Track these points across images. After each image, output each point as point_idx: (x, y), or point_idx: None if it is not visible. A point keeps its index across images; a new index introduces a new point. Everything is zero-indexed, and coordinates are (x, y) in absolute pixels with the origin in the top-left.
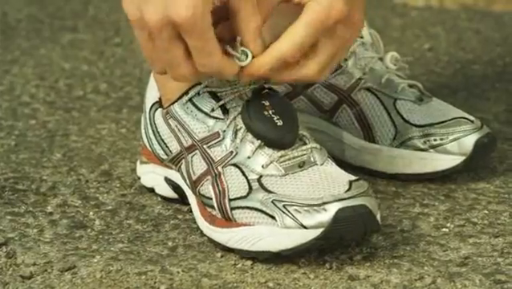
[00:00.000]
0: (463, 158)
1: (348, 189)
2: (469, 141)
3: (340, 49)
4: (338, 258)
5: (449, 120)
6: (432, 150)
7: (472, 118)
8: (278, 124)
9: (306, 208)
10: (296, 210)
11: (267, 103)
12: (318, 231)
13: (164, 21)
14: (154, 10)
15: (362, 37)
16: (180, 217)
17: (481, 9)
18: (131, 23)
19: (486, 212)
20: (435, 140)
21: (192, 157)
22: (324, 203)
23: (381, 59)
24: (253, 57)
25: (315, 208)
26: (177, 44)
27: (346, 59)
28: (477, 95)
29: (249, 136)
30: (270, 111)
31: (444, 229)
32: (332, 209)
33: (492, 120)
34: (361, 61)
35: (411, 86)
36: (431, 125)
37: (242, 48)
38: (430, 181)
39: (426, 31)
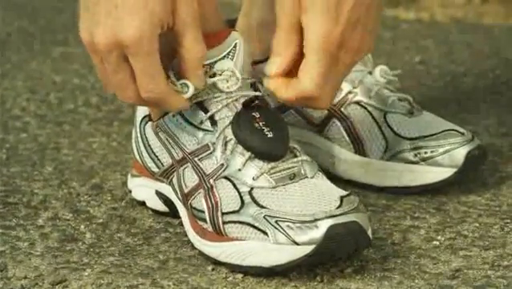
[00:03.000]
0: (454, 170)
1: (339, 206)
2: (460, 154)
3: (342, 75)
4: (329, 271)
5: (440, 132)
6: (422, 163)
7: (462, 130)
8: (269, 135)
9: (298, 224)
10: (288, 226)
11: (257, 115)
12: (310, 248)
13: (112, 42)
14: (103, 33)
15: None
16: (171, 230)
17: (472, 22)
18: (86, 47)
19: (477, 225)
20: (426, 152)
21: (183, 170)
22: (316, 220)
23: (371, 73)
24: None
25: (307, 224)
26: (124, 67)
27: None
28: (468, 108)
29: (240, 148)
30: (261, 123)
31: (434, 242)
32: (324, 225)
33: (483, 132)
34: (351, 75)
35: (401, 99)
36: (422, 138)
37: (183, 81)
38: (421, 193)
39: (417, 44)
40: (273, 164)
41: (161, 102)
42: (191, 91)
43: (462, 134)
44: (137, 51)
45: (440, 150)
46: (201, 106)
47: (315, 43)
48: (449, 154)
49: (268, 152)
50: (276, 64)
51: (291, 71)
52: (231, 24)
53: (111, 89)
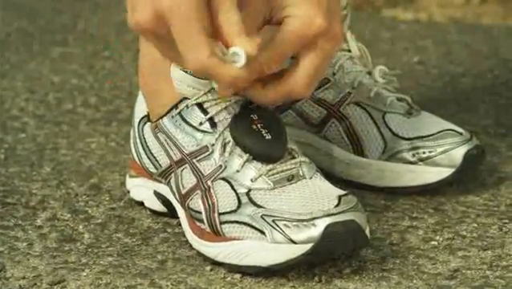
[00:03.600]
0: (452, 170)
1: (337, 204)
2: (459, 153)
3: (323, 61)
4: (327, 271)
5: (438, 132)
6: (421, 163)
7: (461, 130)
8: (267, 137)
9: (295, 223)
10: (285, 225)
11: (255, 117)
12: (308, 246)
13: (153, 16)
14: (143, 9)
15: (350, 51)
16: (169, 230)
17: (470, 22)
18: (137, 32)
19: (475, 225)
20: (424, 152)
21: (181, 171)
22: (314, 218)
23: (369, 73)
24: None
25: (305, 223)
26: (165, 41)
27: (334, 74)
28: (467, 108)
29: (238, 150)
30: (259, 125)
31: (433, 243)
32: (321, 224)
33: (481, 132)
34: (349, 75)
35: (400, 99)
36: (420, 138)
37: (232, 49)
38: (419, 194)
39: (415, 44)
40: (271, 165)
41: (211, 74)
42: (243, 58)
43: (460, 134)
44: (173, 18)
45: (439, 150)
46: (201, 107)
47: (295, 34)
48: (448, 154)
49: (266, 154)
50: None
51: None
52: None
53: (179, 61)
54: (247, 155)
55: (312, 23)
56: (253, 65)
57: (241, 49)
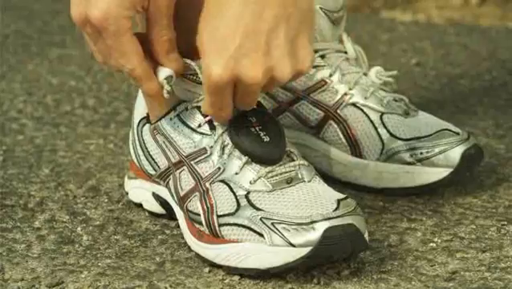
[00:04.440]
0: (450, 170)
1: (336, 208)
2: (456, 153)
3: (247, 97)
4: (325, 273)
5: (435, 132)
6: (418, 164)
7: (458, 130)
8: (265, 140)
9: (294, 226)
10: (284, 228)
11: (254, 120)
12: (307, 250)
13: (83, 20)
14: (77, 9)
15: (346, 52)
16: (167, 232)
17: (469, 23)
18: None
19: (474, 226)
20: (421, 153)
21: (180, 173)
22: (313, 222)
23: (366, 74)
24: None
25: (304, 226)
26: (100, 40)
27: (331, 75)
28: (465, 110)
29: (237, 152)
30: (257, 128)
31: (431, 244)
32: (320, 227)
33: (479, 134)
34: (346, 77)
35: (397, 99)
36: (417, 138)
37: (166, 73)
38: (417, 195)
39: (413, 46)
40: (270, 168)
41: (134, 77)
42: (173, 80)
43: (457, 134)
44: (104, 30)
45: (436, 150)
46: (200, 110)
47: (204, 85)
48: (445, 154)
49: (264, 156)
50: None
51: None
52: None
53: (97, 56)
54: (246, 157)
55: (209, 74)
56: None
57: (170, 69)
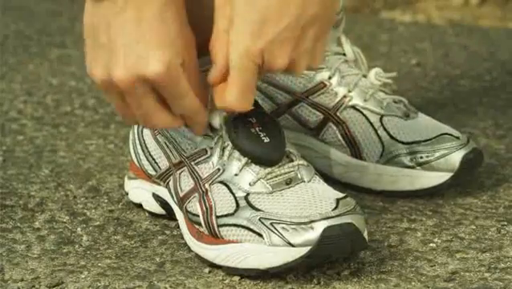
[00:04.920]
0: (450, 175)
1: (335, 207)
2: (456, 158)
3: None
4: (325, 273)
5: (435, 136)
6: (418, 167)
7: (458, 134)
8: (265, 140)
9: (293, 226)
10: (283, 228)
11: (254, 120)
12: (306, 249)
13: (136, 79)
14: (124, 69)
15: (345, 54)
16: (167, 232)
17: (469, 24)
18: (98, 86)
19: (474, 227)
20: (421, 157)
21: (180, 174)
22: (311, 221)
23: (365, 76)
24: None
25: (303, 226)
26: (149, 97)
27: (330, 77)
28: (465, 110)
29: (236, 154)
30: (257, 128)
31: (431, 245)
32: (319, 227)
33: (479, 134)
34: (345, 78)
35: (396, 101)
36: (417, 142)
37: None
38: (417, 196)
39: (413, 46)
40: (269, 169)
41: (191, 115)
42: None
43: (457, 138)
44: (166, 84)
45: (436, 154)
46: None
47: (234, 59)
48: (445, 158)
49: (265, 157)
50: (212, 71)
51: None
52: None
53: (133, 121)
54: (246, 158)
55: (246, 49)
56: None
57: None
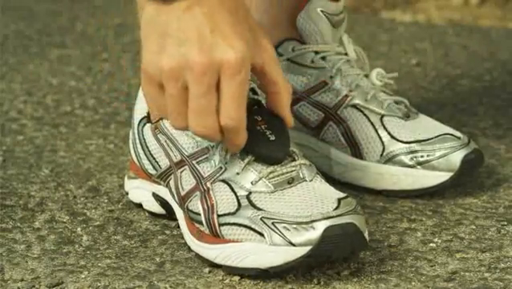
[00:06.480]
0: (450, 175)
1: (337, 207)
2: (457, 158)
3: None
4: (325, 273)
5: (436, 136)
6: (419, 167)
7: (459, 134)
8: (271, 138)
9: (294, 225)
10: (285, 228)
11: (259, 118)
12: (307, 249)
13: (210, 63)
14: (198, 54)
15: (346, 54)
16: (167, 232)
17: (469, 24)
18: (161, 76)
19: (474, 227)
20: (422, 156)
21: (181, 173)
22: (313, 221)
23: (367, 76)
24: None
25: (304, 225)
26: (213, 91)
27: (331, 77)
28: (465, 110)
29: (239, 152)
30: (263, 126)
31: (431, 245)
32: (320, 227)
33: (479, 134)
34: (347, 78)
35: (397, 102)
36: (418, 142)
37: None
38: (418, 196)
39: (413, 46)
40: (271, 168)
41: (234, 131)
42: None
43: (458, 138)
44: (237, 74)
45: (437, 154)
46: None
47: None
48: (446, 158)
49: (271, 155)
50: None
51: None
52: None
53: (184, 120)
54: (249, 157)
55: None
56: None
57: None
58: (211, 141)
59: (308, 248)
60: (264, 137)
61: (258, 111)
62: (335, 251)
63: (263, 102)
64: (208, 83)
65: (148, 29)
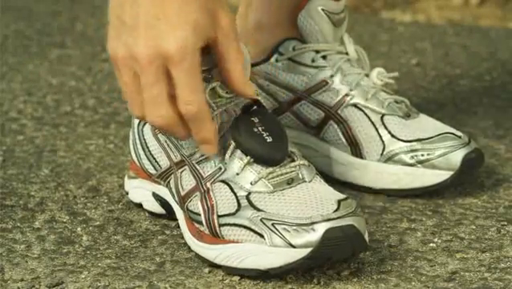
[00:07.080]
0: (451, 174)
1: (337, 209)
2: (457, 157)
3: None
4: (325, 273)
5: (437, 135)
6: (419, 165)
7: (459, 133)
8: (268, 140)
9: (294, 227)
10: (285, 229)
11: (257, 120)
12: (307, 251)
13: (154, 53)
14: (144, 44)
15: (347, 53)
16: (167, 232)
17: (469, 24)
18: (116, 62)
19: (474, 227)
20: (422, 155)
21: (181, 173)
22: (313, 223)
23: (367, 75)
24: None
25: (304, 227)
26: (163, 79)
27: (332, 76)
28: (465, 110)
29: (238, 153)
30: (260, 128)
31: (431, 245)
32: (321, 228)
33: (479, 134)
34: (348, 77)
35: (398, 101)
36: (418, 141)
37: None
38: (417, 196)
39: (413, 46)
40: (271, 169)
41: (197, 118)
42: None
43: (459, 137)
44: (181, 62)
45: (437, 153)
46: None
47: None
48: (446, 157)
49: (268, 157)
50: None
51: None
52: None
53: (140, 109)
54: (248, 158)
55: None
56: None
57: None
58: (179, 138)
59: (308, 250)
60: (261, 139)
61: (256, 112)
62: (335, 253)
63: (263, 102)
64: (155, 72)
65: (111, 13)
